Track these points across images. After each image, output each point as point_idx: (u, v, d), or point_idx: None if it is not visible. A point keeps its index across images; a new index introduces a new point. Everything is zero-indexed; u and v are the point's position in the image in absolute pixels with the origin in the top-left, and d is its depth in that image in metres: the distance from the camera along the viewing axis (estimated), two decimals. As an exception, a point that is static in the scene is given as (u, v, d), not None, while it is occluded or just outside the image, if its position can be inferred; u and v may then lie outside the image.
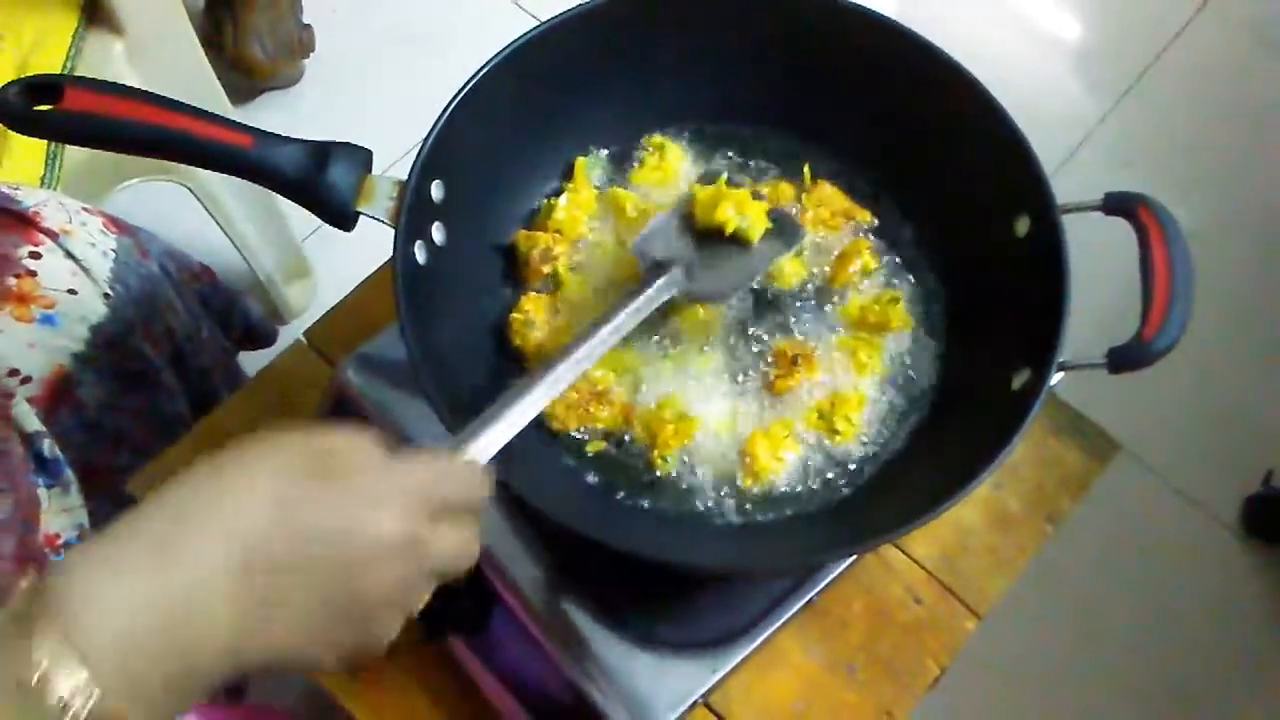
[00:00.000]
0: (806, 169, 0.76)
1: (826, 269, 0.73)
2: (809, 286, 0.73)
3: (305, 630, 0.41)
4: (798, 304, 0.72)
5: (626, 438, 0.68)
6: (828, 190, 0.75)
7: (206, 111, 0.60)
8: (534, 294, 0.71)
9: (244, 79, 1.50)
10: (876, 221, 0.75)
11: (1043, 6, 1.81)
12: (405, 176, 0.63)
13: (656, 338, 0.70)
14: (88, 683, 0.35)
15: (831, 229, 0.74)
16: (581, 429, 0.68)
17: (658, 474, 0.66)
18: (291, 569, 0.40)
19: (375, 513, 0.42)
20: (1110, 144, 1.65)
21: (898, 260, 0.74)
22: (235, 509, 0.40)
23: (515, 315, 0.70)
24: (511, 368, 0.70)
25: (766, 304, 0.72)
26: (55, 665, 0.35)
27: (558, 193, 0.75)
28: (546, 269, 0.72)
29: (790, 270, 0.73)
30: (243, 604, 0.39)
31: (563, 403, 0.67)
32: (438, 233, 0.67)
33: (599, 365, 0.68)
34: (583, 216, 0.74)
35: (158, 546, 0.38)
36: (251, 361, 1.03)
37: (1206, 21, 1.76)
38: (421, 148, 0.63)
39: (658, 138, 0.78)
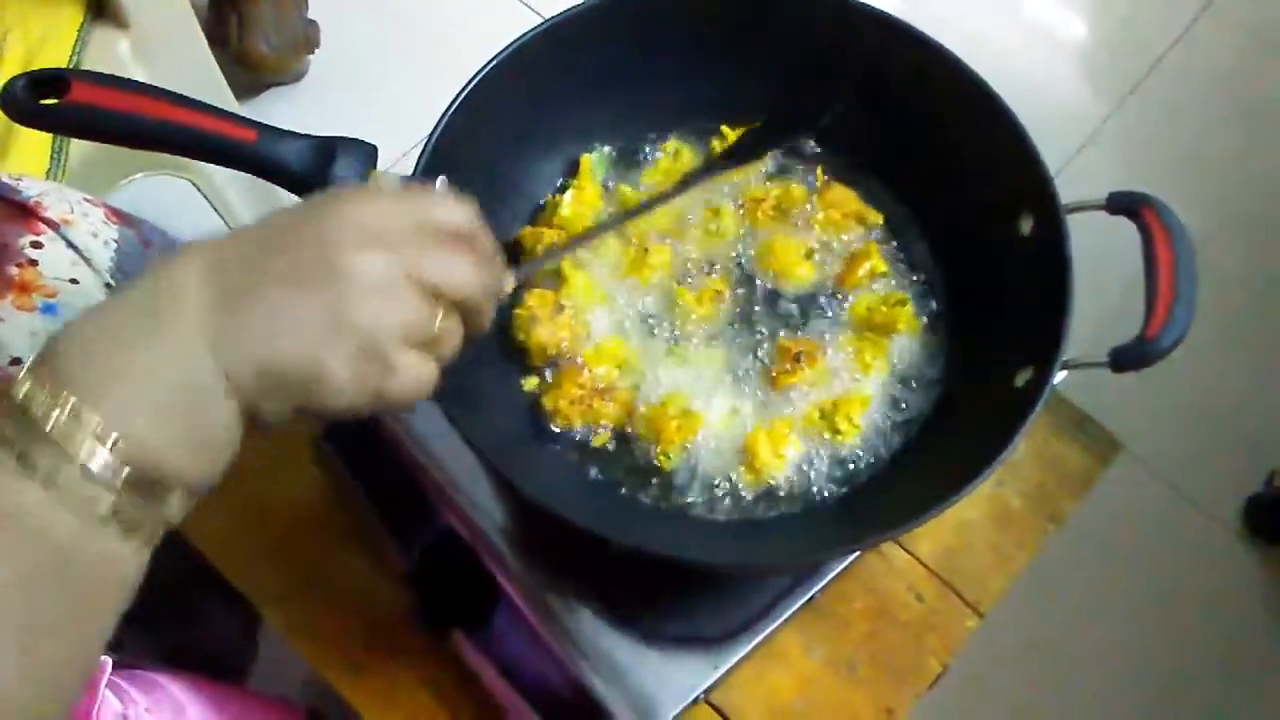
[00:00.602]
0: (820, 171, 0.76)
1: (836, 270, 0.73)
2: (817, 287, 0.73)
3: (292, 327, 0.39)
4: (804, 304, 0.72)
5: (630, 433, 0.68)
6: (840, 192, 0.75)
7: (211, 106, 0.60)
8: (538, 290, 0.72)
9: (249, 74, 1.50)
10: (887, 224, 0.75)
11: (1047, 7, 1.81)
12: (410, 172, 0.63)
13: (661, 334, 0.71)
14: (111, 435, 0.36)
15: (841, 230, 0.74)
16: (585, 425, 0.68)
17: (661, 470, 0.67)
18: (260, 252, 0.40)
19: (344, 200, 0.41)
20: (1113, 143, 1.65)
21: (902, 258, 0.74)
22: (203, 247, 0.40)
23: (519, 311, 0.70)
24: (515, 365, 0.70)
25: (773, 303, 0.72)
26: (76, 427, 0.35)
27: (563, 189, 0.76)
28: (551, 265, 0.72)
29: (801, 271, 0.73)
30: (214, 306, 0.38)
31: (566, 398, 0.67)
32: (442, 229, 0.67)
33: (602, 362, 0.69)
34: (587, 213, 0.74)
35: (135, 296, 0.39)
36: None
37: (1209, 23, 1.76)
38: (426, 144, 0.64)
39: (672, 142, 0.78)
